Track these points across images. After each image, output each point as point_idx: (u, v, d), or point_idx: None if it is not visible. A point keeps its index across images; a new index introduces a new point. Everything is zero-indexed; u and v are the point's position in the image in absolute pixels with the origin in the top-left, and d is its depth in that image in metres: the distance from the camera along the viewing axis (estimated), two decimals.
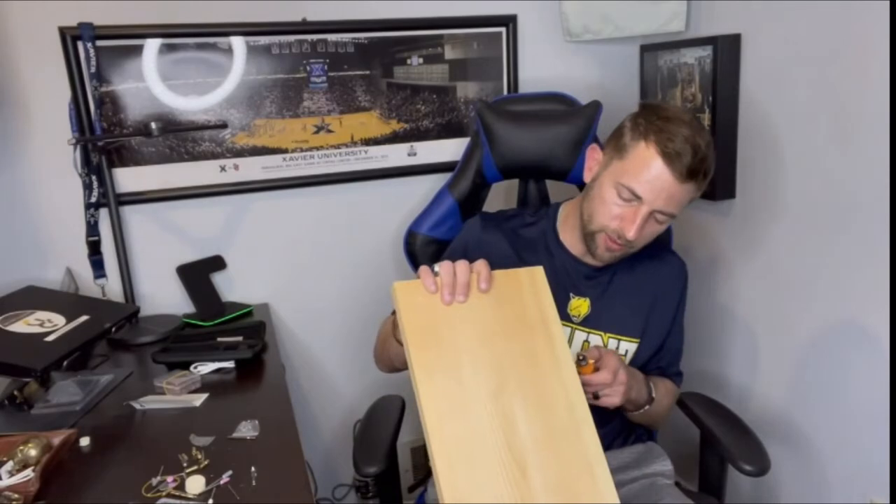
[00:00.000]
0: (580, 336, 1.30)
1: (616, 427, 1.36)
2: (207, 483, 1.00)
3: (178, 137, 1.69)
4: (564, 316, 1.30)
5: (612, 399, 1.14)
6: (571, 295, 1.31)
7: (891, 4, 1.28)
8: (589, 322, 1.31)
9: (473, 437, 0.85)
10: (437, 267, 0.96)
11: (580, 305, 1.30)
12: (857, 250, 1.42)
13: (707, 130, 1.17)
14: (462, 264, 0.96)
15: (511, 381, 0.91)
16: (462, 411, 0.87)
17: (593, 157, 1.26)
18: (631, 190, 1.14)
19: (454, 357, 0.90)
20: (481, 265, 0.97)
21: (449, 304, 0.93)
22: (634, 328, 1.32)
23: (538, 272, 1.00)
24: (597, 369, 1.11)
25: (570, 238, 1.32)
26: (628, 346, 1.31)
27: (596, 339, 1.30)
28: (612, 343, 1.31)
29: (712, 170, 1.17)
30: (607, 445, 1.35)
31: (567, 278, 1.31)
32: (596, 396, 1.12)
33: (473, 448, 0.85)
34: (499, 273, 0.98)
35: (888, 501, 1.41)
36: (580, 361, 1.07)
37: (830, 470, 1.56)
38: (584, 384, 0.94)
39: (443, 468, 0.83)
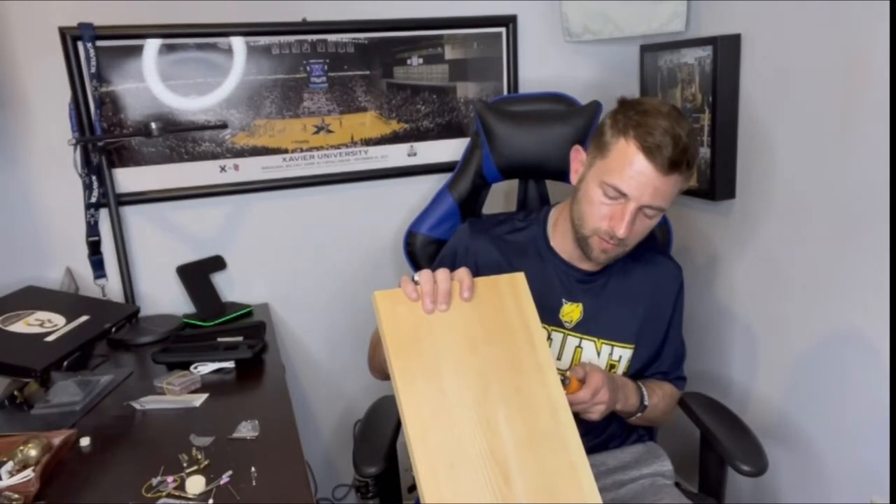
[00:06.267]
0: (572, 342, 1.30)
1: (616, 427, 1.36)
2: (207, 483, 1.00)
3: (178, 137, 1.69)
4: (556, 322, 1.30)
5: (590, 416, 1.15)
6: (564, 300, 1.30)
7: (891, 4, 1.28)
8: (581, 328, 1.30)
9: (456, 444, 0.86)
10: (416, 276, 0.96)
11: (572, 311, 1.30)
12: (857, 250, 1.42)
13: (687, 119, 1.17)
14: (442, 272, 0.96)
15: (494, 387, 0.91)
16: (445, 418, 0.87)
17: (577, 159, 1.26)
18: (616, 188, 1.14)
19: (436, 365, 0.91)
20: (463, 273, 0.97)
21: (431, 312, 0.94)
22: (628, 334, 1.31)
23: (519, 278, 1.01)
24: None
25: (560, 243, 1.32)
26: (622, 353, 1.31)
27: (589, 344, 1.30)
28: (606, 349, 1.30)
29: (696, 158, 1.17)
30: (606, 445, 1.36)
31: (559, 284, 1.30)
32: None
33: (456, 455, 0.85)
34: (480, 280, 0.98)
35: (888, 501, 1.41)
36: (563, 381, 1.05)
37: (830, 470, 1.56)
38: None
39: (425, 475, 0.83)
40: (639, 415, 1.27)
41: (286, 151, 1.78)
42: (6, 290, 1.50)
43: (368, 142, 1.84)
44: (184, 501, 0.97)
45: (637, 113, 1.14)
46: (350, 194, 1.86)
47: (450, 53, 1.85)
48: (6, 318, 1.35)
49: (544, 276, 1.30)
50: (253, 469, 1.04)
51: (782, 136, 1.57)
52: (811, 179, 1.51)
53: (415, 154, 1.89)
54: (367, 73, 1.80)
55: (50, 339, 1.31)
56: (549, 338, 1.28)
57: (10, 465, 1.01)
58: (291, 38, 1.72)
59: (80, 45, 1.55)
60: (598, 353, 1.30)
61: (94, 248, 1.65)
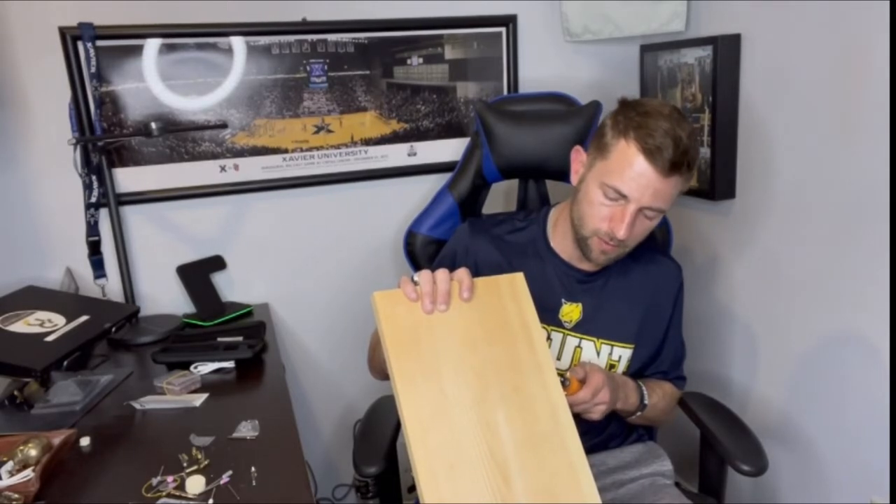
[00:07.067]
0: (572, 342, 1.30)
1: (615, 427, 1.36)
2: (207, 483, 1.00)
3: (178, 137, 1.69)
4: (556, 322, 1.30)
5: (591, 416, 1.15)
6: (563, 301, 1.30)
7: (891, 4, 1.28)
8: (581, 328, 1.30)
9: (456, 445, 0.86)
10: (416, 276, 0.96)
11: (572, 311, 1.30)
12: (857, 250, 1.42)
13: (688, 121, 1.17)
14: (441, 273, 0.96)
15: (493, 387, 0.91)
16: (444, 419, 0.87)
17: (578, 160, 1.26)
18: (616, 189, 1.14)
19: (435, 365, 0.91)
20: (463, 273, 0.97)
21: (430, 312, 0.94)
22: (628, 334, 1.31)
23: (518, 278, 1.01)
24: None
25: (560, 243, 1.32)
26: (622, 353, 1.31)
27: (588, 344, 1.30)
28: (606, 349, 1.30)
29: (697, 160, 1.17)
30: (606, 445, 1.36)
31: (559, 284, 1.30)
32: None
33: (456, 455, 0.85)
34: (479, 280, 0.98)
35: (888, 501, 1.41)
36: (563, 383, 1.05)
37: (830, 470, 1.56)
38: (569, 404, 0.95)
39: (425, 476, 0.83)
40: (639, 414, 1.27)
41: (286, 151, 1.78)
42: (6, 290, 1.50)
43: (368, 142, 1.84)
44: (184, 501, 0.97)
45: (638, 114, 1.14)
46: (350, 194, 1.86)
47: (450, 53, 1.85)
48: (6, 318, 1.35)
49: (544, 277, 1.30)
50: (253, 469, 1.04)
51: (782, 136, 1.57)
52: (811, 179, 1.51)
53: (415, 154, 1.89)
54: (367, 72, 1.80)
55: (50, 338, 1.31)
56: (548, 338, 1.28)
57: (10, 465, 1.01)
58: (291, 38, 1.72)
59: (80, 44, 1.55)
60: (598, 353, 1.30)
61: (94, 248, 1.65)
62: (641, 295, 1.32)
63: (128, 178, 1.67)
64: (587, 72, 1.97)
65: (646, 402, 1.26)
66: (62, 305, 1.45)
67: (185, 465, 1.06)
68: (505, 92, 1.92)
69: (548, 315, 1.28)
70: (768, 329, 1.70)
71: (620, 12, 1.83)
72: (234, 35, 1.68)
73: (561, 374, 1.03)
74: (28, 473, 1.00)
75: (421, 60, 1.84)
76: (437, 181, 1.85)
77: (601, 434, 1.34)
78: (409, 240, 1.60)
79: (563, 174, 1.54)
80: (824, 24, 1.42)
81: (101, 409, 1.28)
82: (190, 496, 0.98)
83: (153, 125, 1.54)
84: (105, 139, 1.60)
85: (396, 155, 1.87)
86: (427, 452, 0.85)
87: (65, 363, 1.27)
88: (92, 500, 1.00)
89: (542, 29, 1.91)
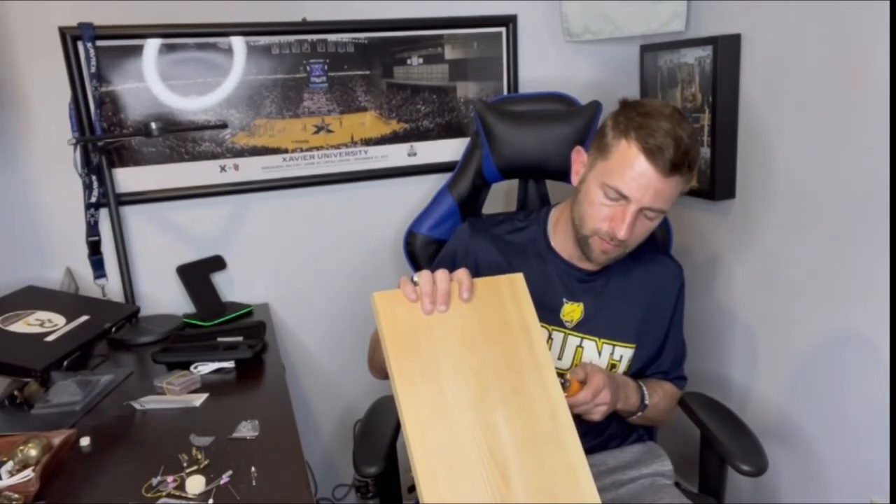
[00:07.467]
0: (573, 341, 1.30)
1: (616, 427, 1.36)
2: (207, 483, 1.00)
3: (178, 137, 1.69)
4: (557, 322, 1.30)
5: (592, 417, 1.15)
6: (565, 300, 1.30)
7: (891, 4, 1.28)
8: (582, 327, 1.30)
9: (455, 445, 0.86)
10: (416, 277, 0.96)
11: (573, 311, 1.30)
12: (857, 250, 1.42)
13: (689, 121, 1.17)
14: (441, 273, 0.96)
15: (493, 388, 0.91)
16: (444, 419, 0.88)
17: (578, 160, 1.26)
18: (617, 190, 1.14)
19: (435, 366, 0.91)
20: (462, 274, 0.97)
21: (430, 313, 0.94)
22: (629, 334, 1.31)
23: (518, 279, 1.01)
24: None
25: (561, 243, 1.32)
26: (623, 352, 1.31)
27: (590, 344, 1.30)
28: (607, 349, 1.30)
29: (697, 160, 1.17)
30: (606, 445, 1.36)
31: (560, 284, 1.30)
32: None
33: (455, 456, 0.85)
34: (479, 281, 0.98)
35: (888, 501, 1.41)
36: (563, 384, 1.04)
37: (830, 470, 1.56)
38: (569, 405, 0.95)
39: (425, 477, 0.83)
40: (639, 414, 1.27)
41: (286, 151, 1.78)
42: (6, 290, 1.50)
43: (368, 142, 1.84)
44: (184, 501, 0.97)
45: (638, 114, 1.14)
46: (350, 194, 1.86)
47: (450, 53, 1.85)
48: (6, 318, 1.35)
49: (545, 276, 1.30)
50: (253, 469, 1.04)
51: (782, 136, 1.57)
52: (811, 179, 1.51)
53: (415, 154, 1.89)
54: (367, 73, 1.80)
55: (50, 338, 1.31)
56: (550, 338, 1.28)
57: (10, 465, 1.01)
58: (291, 38, 1.72)
59: (80, 45, 1.55)
60: (599, 353, 1.30)
61: (94, 248, 1.65)
62: (642, 295, 1.32)
63: (128, 178, 1.67)
64: (587, 72, 1.97)
65: (646, 402, 1.26)
66: (62, 305, 1.45)
67: (185, 465, 1.06)
68: (505, 92, 1.92)
69: (549, 315, 1.28)
70: (768, 329, 1.70)
71: (620, 12, 1.83)
72: (234, 35, 1.68)
73: (561, 374, 1.03)
74: (28, 473, 1.00)
75: (421, 60, 1.84)
76: (437, 181, 1.85)
77: (601, 435, 1.34)
78: (409, 240, 1.60)
79: (563, 174, 1.54)
80: (824, 24, 1.42)
81: (101, 409, 1.28)
82: (190, 496, 0.98)
83: (153, 125, 1.54)
84: (105, 139, 1.60)
85: (396, 155, 1.87)
86: (427, 452, 0.85)
87: (65, 363, 1.27)
88: (92, 500, 1.00)
89: (542, 29, 1.91)
